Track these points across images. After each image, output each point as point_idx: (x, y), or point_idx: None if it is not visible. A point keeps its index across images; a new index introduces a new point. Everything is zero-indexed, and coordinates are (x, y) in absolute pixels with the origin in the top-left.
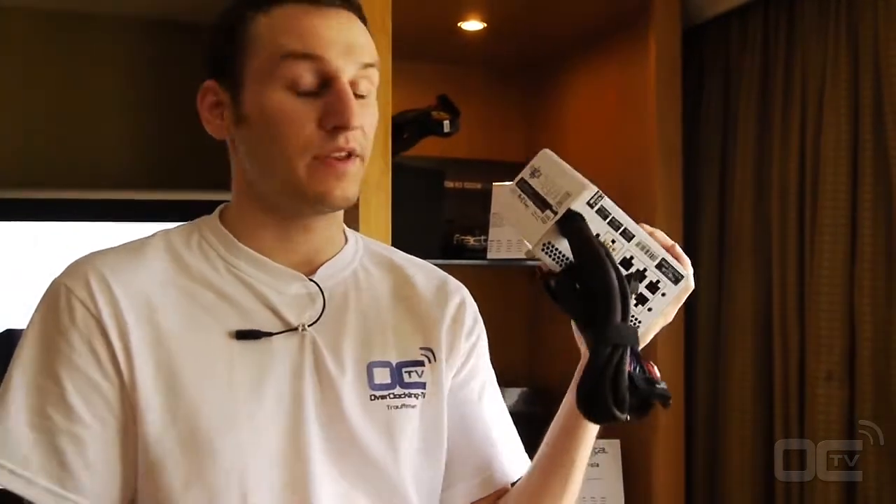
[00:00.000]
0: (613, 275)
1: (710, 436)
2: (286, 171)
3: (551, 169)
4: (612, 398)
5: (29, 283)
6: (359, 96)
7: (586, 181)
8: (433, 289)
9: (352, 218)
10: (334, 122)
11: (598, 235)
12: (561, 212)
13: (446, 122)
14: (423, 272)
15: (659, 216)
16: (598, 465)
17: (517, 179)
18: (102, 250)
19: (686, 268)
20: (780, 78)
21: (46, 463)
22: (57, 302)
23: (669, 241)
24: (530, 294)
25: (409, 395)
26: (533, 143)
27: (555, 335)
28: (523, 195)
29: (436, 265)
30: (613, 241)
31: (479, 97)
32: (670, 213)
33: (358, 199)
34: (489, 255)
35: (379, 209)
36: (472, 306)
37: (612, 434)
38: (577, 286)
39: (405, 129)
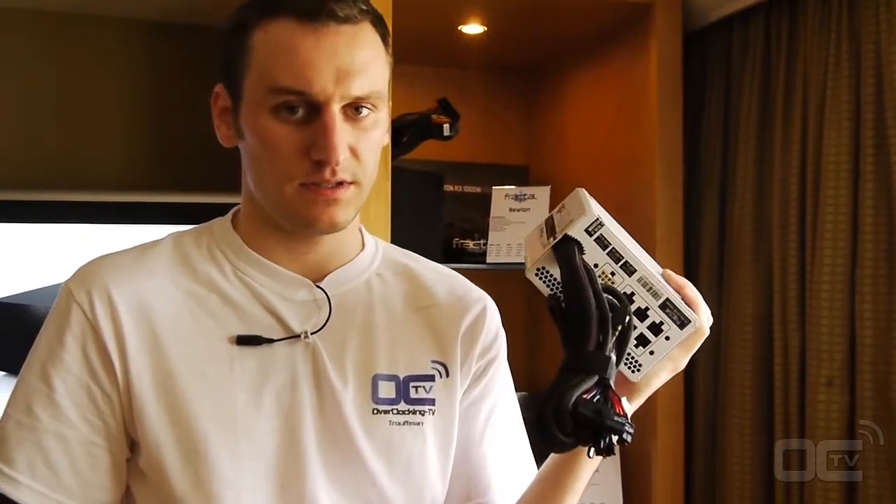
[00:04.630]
0: (592, 302)
1: (709, 442)
2: (275, 193)
3: (574, 203)
4: (554, 423)
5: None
6: (355, 117)
7: (592, 209)
8: (453, 299)
9: None
10: (317, 156)
11: (596, 265)
12: (558, 237)
13: (446, 126)
14: (446, 282)
15: (659, 221)
16: (597, 471)
17: (546, 217)
18: (111, 253)
19: (698, 312)
20: (781, 82)
21: (31, 461)
22: (59, 305)
23: (681, 282)
24: (530, 299)
25: (415, 412)
26: (533, 147)
27: (554, 340)
28: (544, 229)
29: None
30: (613, 274)
31: (479, 101)
32: (671, 218)
33: None
34: (489, 259)
35: (378, 213)
36: (492, 320)
37: None
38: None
39: (405, 132)
